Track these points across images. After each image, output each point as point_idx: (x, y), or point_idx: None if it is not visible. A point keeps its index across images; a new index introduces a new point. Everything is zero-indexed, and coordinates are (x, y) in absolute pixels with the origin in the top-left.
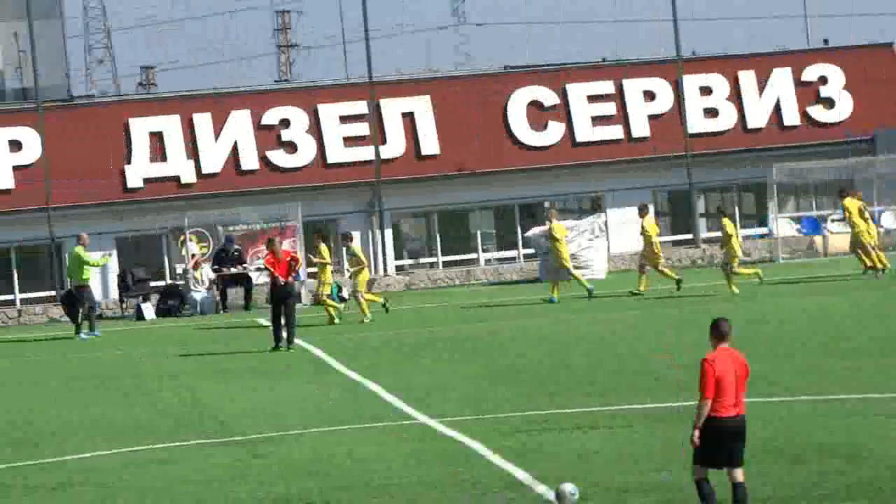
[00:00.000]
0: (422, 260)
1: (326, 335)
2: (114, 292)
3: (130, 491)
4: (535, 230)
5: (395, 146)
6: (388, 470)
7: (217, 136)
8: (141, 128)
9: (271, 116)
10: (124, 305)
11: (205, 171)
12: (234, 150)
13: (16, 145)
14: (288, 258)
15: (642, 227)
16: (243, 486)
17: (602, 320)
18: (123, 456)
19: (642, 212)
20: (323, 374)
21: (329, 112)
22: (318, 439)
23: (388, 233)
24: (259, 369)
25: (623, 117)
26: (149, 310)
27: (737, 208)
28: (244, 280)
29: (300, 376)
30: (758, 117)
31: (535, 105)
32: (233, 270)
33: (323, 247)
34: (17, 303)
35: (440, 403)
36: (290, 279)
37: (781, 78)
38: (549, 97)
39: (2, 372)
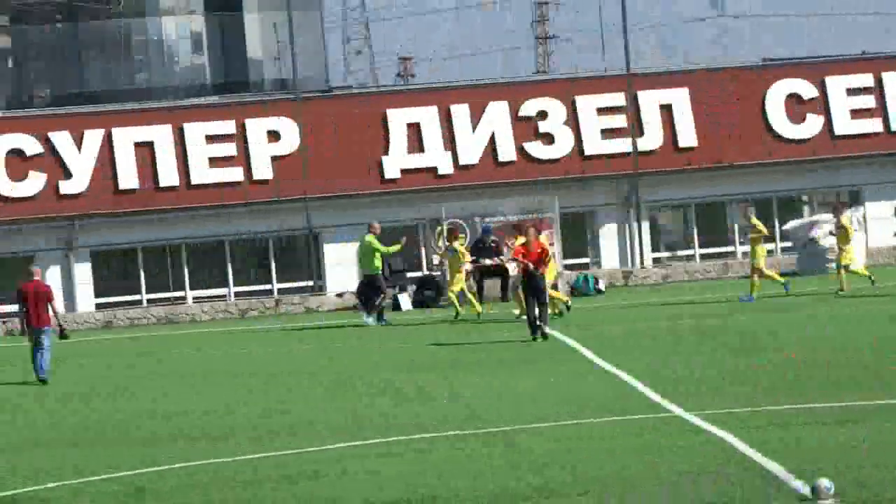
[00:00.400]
0: (679, 252)
1: (581, 325)
2: None
3: (369, 481)
4: (793, 223)
5: (652, 138)
6: (638, 461)
7: (474, 127)
8: (398, 119)
9: (529, 108)
10: (382, 296)
11: (462, 161)
12: (492, 141)
13: (274, 136)
14: (538, 249)
15: (841, 226)
16: (493, 476)
17: (858, 315)
18: (371, 447)
19: (838, 210)
20: (575, 364)
21: (587, 103)
22: (568, 430)
23: (646, 225)
24: (513, 359)
25: (882, 110)
26: (405, 300)
27: None
28: (501, 271)
29: (552, 366)
30: None
31: (793, 98)
32: (488, 262)
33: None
34: (275, 293)
35: (690, 395)
36: (542, 270)
37: None
38: (807, 90)
39: (260, 362)
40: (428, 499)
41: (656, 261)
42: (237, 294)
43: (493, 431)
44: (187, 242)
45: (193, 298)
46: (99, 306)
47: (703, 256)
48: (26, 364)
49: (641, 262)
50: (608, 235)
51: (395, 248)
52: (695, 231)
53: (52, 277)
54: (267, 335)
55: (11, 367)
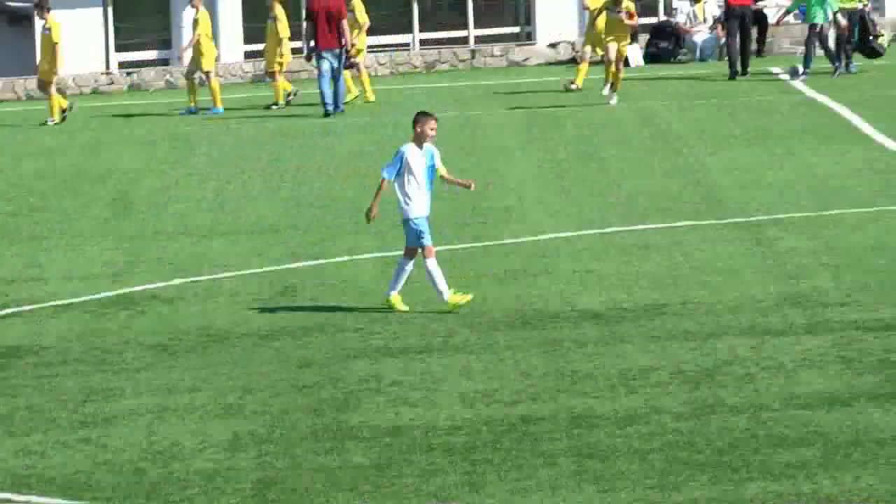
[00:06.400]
0: None
1: (860, 89)
2: None
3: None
4: None
5: None
6: None
7: None
8: None
9: None
10: None
11: None
12: None
13: None
14: None
15: None
16: (745, 277)
17: None
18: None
19: None
20: (848, 141)
21: None
22: (834, 221)
23: None
24: (771, 133)
25: None
26: (635, 52)
27: None
28: (760, 18)
29: (819, 143)
30: None
31: None
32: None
33: None
34: (471, 41)
35: None
36: None
37: None
38: None
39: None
40: None
41: None
42: (423, 42)
43: (741, 222)
44: None
45: (369, 48)
46: (249, 54)
47: None
48: None
49: None
50: None
51: None
52: None
53: None
54: (461, 94)
55: None
